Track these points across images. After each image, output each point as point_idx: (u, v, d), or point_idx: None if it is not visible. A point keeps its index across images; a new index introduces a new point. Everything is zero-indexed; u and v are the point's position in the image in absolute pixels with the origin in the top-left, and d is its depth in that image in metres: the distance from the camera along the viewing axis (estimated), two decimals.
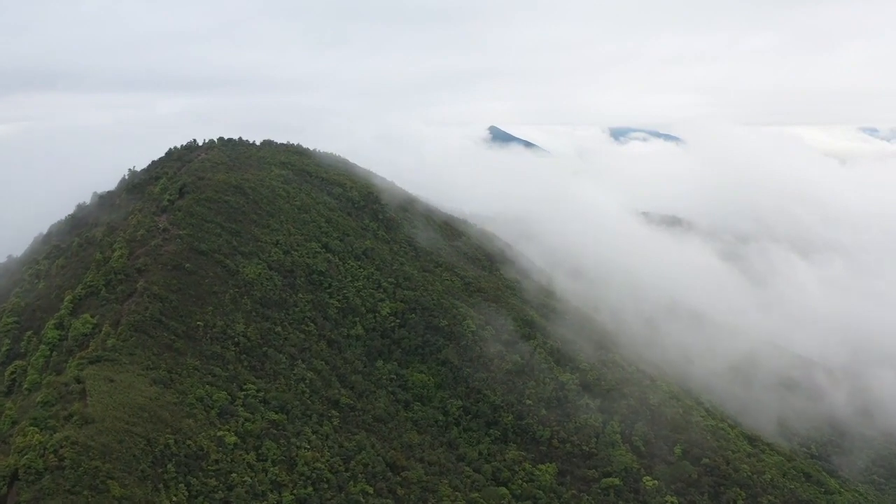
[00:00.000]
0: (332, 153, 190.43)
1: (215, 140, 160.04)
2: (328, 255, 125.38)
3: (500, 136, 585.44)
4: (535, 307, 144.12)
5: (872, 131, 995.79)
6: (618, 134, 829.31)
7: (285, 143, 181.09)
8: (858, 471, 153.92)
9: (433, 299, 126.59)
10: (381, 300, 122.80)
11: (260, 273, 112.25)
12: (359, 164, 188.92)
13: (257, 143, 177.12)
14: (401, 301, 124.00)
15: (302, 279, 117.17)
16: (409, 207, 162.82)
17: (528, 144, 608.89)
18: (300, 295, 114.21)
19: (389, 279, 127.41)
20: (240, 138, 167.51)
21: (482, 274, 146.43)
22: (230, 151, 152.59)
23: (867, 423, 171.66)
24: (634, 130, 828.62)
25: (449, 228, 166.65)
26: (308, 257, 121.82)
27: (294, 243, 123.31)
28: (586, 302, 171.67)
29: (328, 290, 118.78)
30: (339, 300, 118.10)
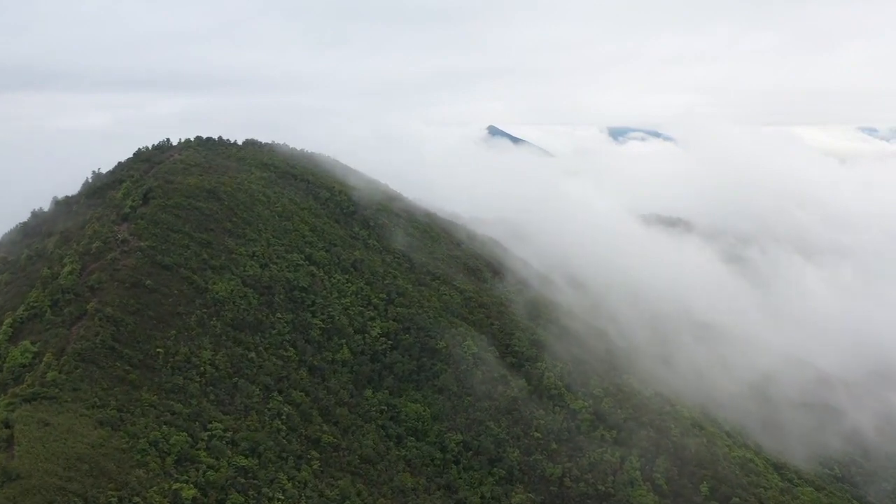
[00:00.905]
0: (321, 153, 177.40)
1: (192, 139, 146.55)
2: (312, 268, 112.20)
3: (498, 136, 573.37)
4: (541, 323, 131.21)
5: (871, 131, 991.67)
6: (617, 134, 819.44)
7: (270, 142, 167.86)
8: (886, 494, 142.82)
9: (429, 317, 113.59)
10: (372, 319, 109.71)
11: (232, 290, 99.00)
12: (356, 164, 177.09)
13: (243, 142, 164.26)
14: (393, 320, 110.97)
15: (281, 296, 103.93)
16: (402, 213, 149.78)
17: (526, 144, 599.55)
18: (278, 315, 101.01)
19: (381, 295, 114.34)
20: (220, 137, 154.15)
21: (483, 287, 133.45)
22: (207, 152, 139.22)
23: (890, 441, 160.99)
24: (633, 130, 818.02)
25: (446, 235, 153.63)
26: (289, 271, 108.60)
27: (273, 255, 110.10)
28: (590, 312, 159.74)
29: (311, 309, 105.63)
30: (323, 320, 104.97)
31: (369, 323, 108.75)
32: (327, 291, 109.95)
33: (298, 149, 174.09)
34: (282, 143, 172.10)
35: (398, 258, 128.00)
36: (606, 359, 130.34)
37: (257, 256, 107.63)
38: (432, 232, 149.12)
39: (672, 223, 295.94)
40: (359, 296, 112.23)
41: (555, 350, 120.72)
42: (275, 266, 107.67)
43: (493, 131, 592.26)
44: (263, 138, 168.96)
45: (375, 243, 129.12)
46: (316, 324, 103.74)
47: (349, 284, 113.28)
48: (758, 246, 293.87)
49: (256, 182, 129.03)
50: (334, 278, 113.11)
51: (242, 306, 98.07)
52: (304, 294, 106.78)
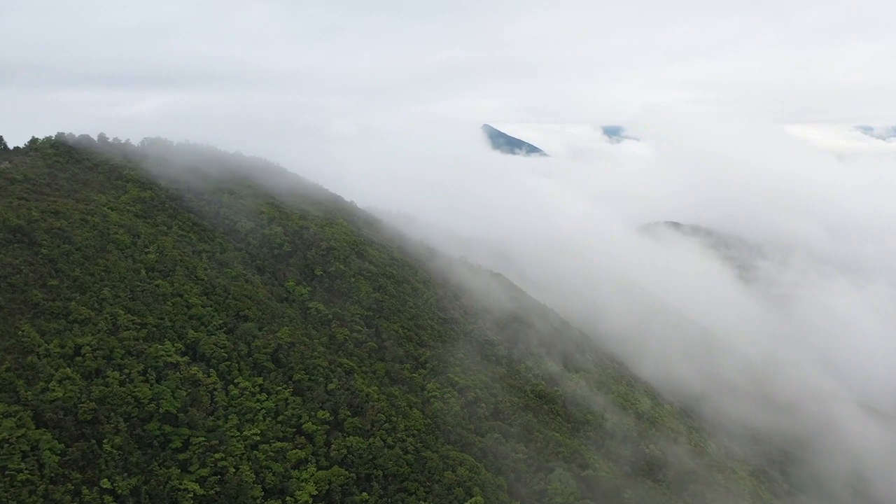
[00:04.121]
0: (264, 158, 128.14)
1: (52, 137, 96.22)
2: (194, 368, 62.31)
3: (494, 136, 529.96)
4: (587, 432, 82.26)
5: (867, 129, 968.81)
6: (612, 132, 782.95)
7: (185, 142, 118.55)
8: None
9: (408, 451, 64.17)
10: (302, 463, 60.11)
11: (4, 440, 49.12)
12: (344, 167, 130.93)
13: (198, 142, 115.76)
14: (341, 463, 61.39)
15: (120, 439, 53.99)
16: (372, 248, 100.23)
17: (521, 144, 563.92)
18: (106, 481, 51.16)
19: (321, 412, 64.61)
20: (101, 136, 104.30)
21: (496, 370, 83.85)
22: (61, 158, 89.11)
23: None
24: (629, 129, 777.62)
25: (437, 279, 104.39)
26: (144, 382, 58.65)
27: (119, 350, 60.04)
28: (635, 391, 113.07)
29: (180, 458, 55.88)
30: (201, 480, 55.23)
31: (295, 474, 59.16)
32: (219, 416, 60.18)
33: (232, 152, 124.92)
34: (204, 143, 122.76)
35: (358, 332, 78.37)
36: (687, 480, 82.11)
37: (83, 357, 57.64)
38: (417, 276, 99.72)
39: (682, 231, 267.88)
40: (279, 419, 62.53)
41: (619, 494, 71.83)
42: (115, 374, 57.64)
43: (488, 130, 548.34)
44: (253, 138, 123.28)
45: (321, 308, 79.29)
46: (188, 489, 53.98)
47: (263, 397, 63.45)
48: (769, 255, 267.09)
49: (125, 209, 78.99)
50: (237, 386, 63.32)
51: (22, 475, 48.14)
52: (170, 429, 56.89)
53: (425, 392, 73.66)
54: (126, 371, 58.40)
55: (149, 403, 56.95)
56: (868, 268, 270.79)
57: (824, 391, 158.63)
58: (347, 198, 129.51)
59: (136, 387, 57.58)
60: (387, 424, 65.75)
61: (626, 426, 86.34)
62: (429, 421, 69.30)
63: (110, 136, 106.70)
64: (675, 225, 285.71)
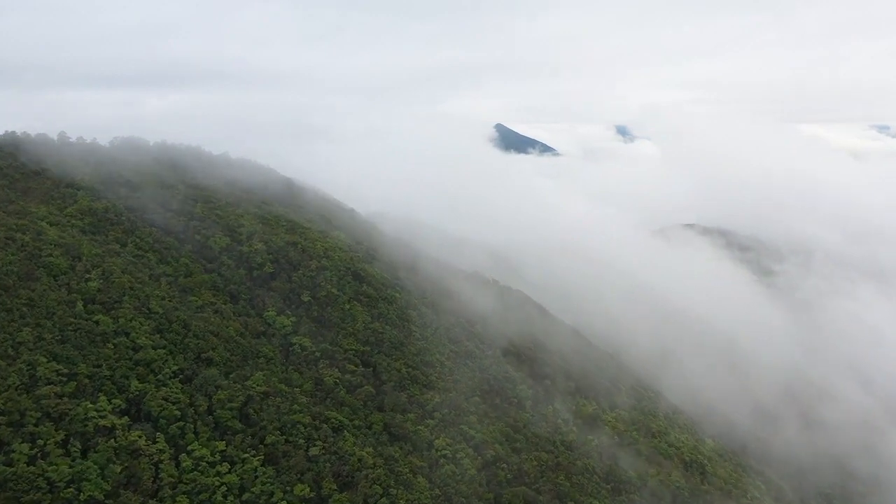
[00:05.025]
0: (251, 160, 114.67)
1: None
2: (137, 433, 48.39)
3: (506, 136, 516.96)
4: (627, 487, 67.78)
5: (883, 128, 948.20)
6: (625, 131, 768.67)
7: (163, 142, 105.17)
8: None
9: None
10: None
11: None
12: (342, 169, 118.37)
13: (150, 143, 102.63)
14: None
15: None
16: (367, 272, 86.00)
17: (535, 143, 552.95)
18: None
19: (300, 486, 50.48)
20: (60, 134, 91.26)
21: (517, 416, 69.27)
22: (5, 161, 75.71)
23: None
24: (632, 129, 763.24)
25: (451, 301, 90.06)
26: (63, 455, 44.81)
27: (32, 412, 46.14)
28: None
29: None
30: None
31: None
32: (164, 497, 46.20)
33: (218, 154, 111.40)
34: (190, 144, 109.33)
35: (351, 374, 64.22)
36: None
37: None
38: (425, 298, 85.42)
39: (697, 233, 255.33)
40: (244, 498, 48.44)
41: None
42: (23, 448, 43.74)
43: (501, 130, 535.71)
44: (252, 138, 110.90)
45: (306, 344, 65.25)
46: None
47: (224, 469, 49.32)
48: (788, 258, 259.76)
49: (69, 223, 65.33)
50: (191, 456, 49.33)
51: None
52: None
53: (433, 451, 59.43)
54: (39, 442, 44.55)
55: (66, 488, 43.03)
56: (891, 271, 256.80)
57: (866, 410, 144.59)
58: (349, 202, 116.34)
59: (50, 464, 43.71)
60: (384, 500, 51.58)
61: (675, 482, 71.83)
62: (437, 492, 55.05)
63: (74, 136, 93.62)
64: (691, 227, 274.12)
